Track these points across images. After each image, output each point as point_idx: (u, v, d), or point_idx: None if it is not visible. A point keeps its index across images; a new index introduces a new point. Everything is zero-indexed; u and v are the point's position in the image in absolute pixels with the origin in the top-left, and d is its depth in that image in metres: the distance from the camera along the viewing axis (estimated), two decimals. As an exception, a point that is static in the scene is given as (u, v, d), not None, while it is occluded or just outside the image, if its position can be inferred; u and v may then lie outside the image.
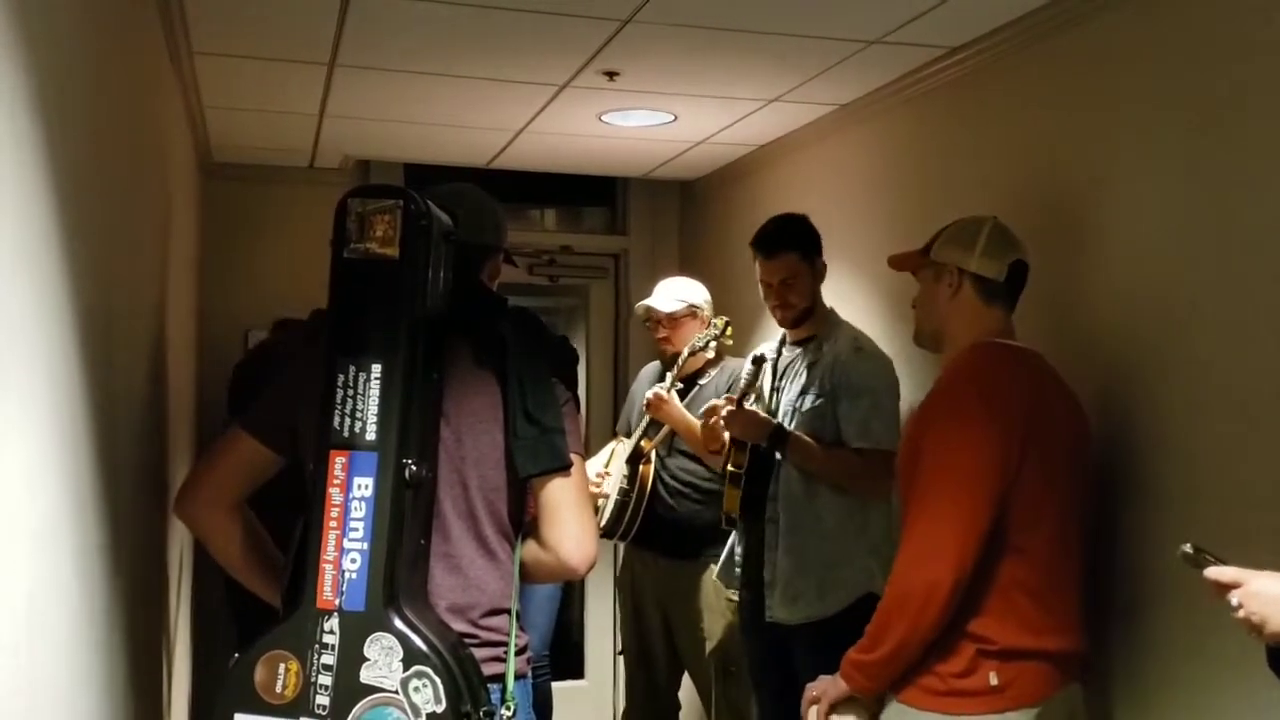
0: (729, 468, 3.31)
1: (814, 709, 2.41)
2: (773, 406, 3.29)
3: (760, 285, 3.30)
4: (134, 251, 2.32)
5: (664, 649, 3.94)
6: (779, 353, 3.36)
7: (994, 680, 2.25)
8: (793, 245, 3.24)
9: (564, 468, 2.08)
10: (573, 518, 2.09)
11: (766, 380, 3.35)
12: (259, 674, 1.84)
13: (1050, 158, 2.89)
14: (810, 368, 3.19)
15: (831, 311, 3.29)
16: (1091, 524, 2.49)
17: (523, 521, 2.14)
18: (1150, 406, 2.52)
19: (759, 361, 3.36)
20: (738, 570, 3.39)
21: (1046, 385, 2.42)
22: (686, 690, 4.08)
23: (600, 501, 3.91)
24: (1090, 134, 2.74)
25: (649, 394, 3.76)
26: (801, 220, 3.31)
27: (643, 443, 3.83)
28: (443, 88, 3.63)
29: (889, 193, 3.63)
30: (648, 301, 3.91)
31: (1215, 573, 1.70)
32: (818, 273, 3.27)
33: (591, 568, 2.14)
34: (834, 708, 2.39)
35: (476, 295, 2.21)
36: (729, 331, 3.74)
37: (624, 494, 3.82)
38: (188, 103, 3.69)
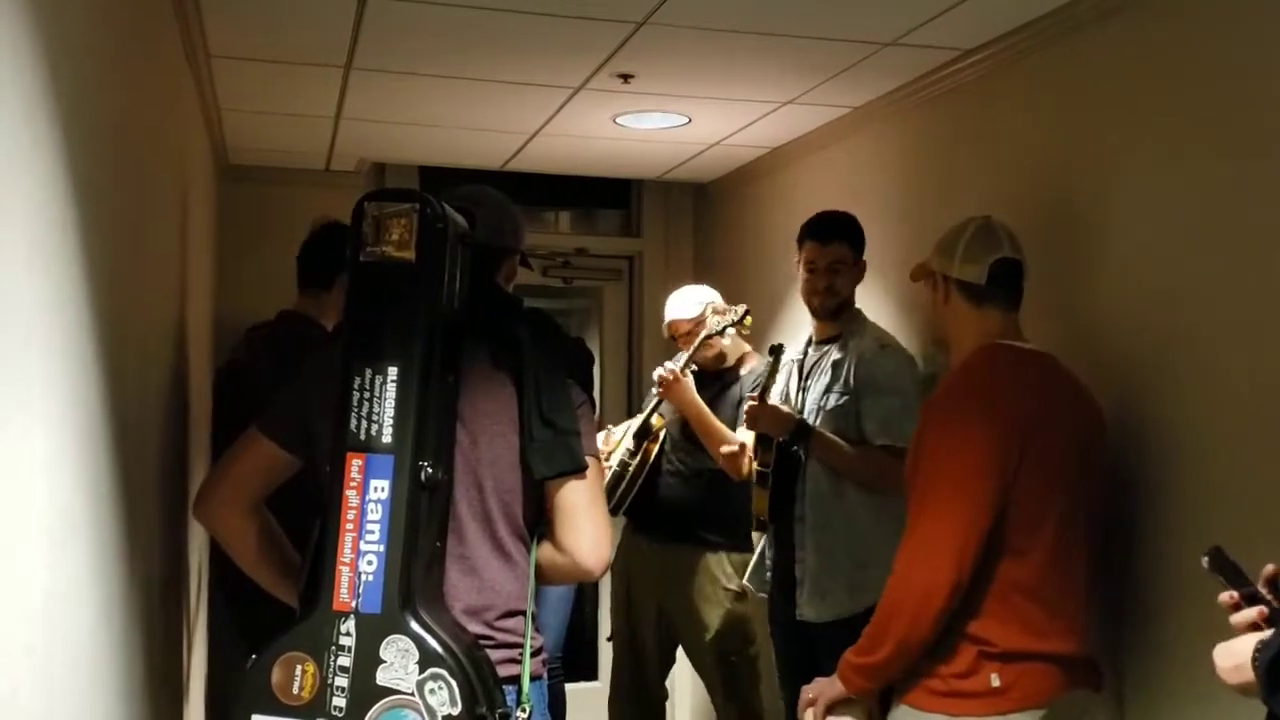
0: (756, 467, 3.30)
1: (810, 710, 2.42)
2: (799, 406, 3.28)
3: (803, 270, 3.28)
4: (151, 253, 2.33)
5: (655, 639, 3.90)
6: (805, 353, 3.36)
7: (995, 682, 2.26)
8: (846, 237, 3.27)
9: (579, 470, 2.09)
10: (588, 520, 2.09)
11: (793, 381, 3.35)
12: (276, 675, 1.84)
13: (1065, 159, 2.88)
14: (835, 365, 3.19)
15: (859, 312, 3.30)
16: (1104, 526, 2.48)
17: (538, 524, 2.14)
18: (1164, 408, 2.51)
19: (776, 351, 3.36)
20: (768, 575, 3.37)
21: (1052, 387, 2.41)
22: (675, 680, 4.05)
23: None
24: (1105, 135, 2.73)
25: (660, 370, 3.67)
26: (854, 218, 3.33)
27: (653, 419, 3.77)
28: (458, 90, 3.64)
29: (904, 195, 3.62)
30: (670, 316, 3.84)
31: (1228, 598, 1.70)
32: (858, 273, 3.29)
33: (607, 569, 2.14)
34: (831, 708, 2.39)
35: (492, 297, 2.21)
36: (748, 320, 3.67)
37: (623, 465, 3.75)
38: (204, 105, 3.71)
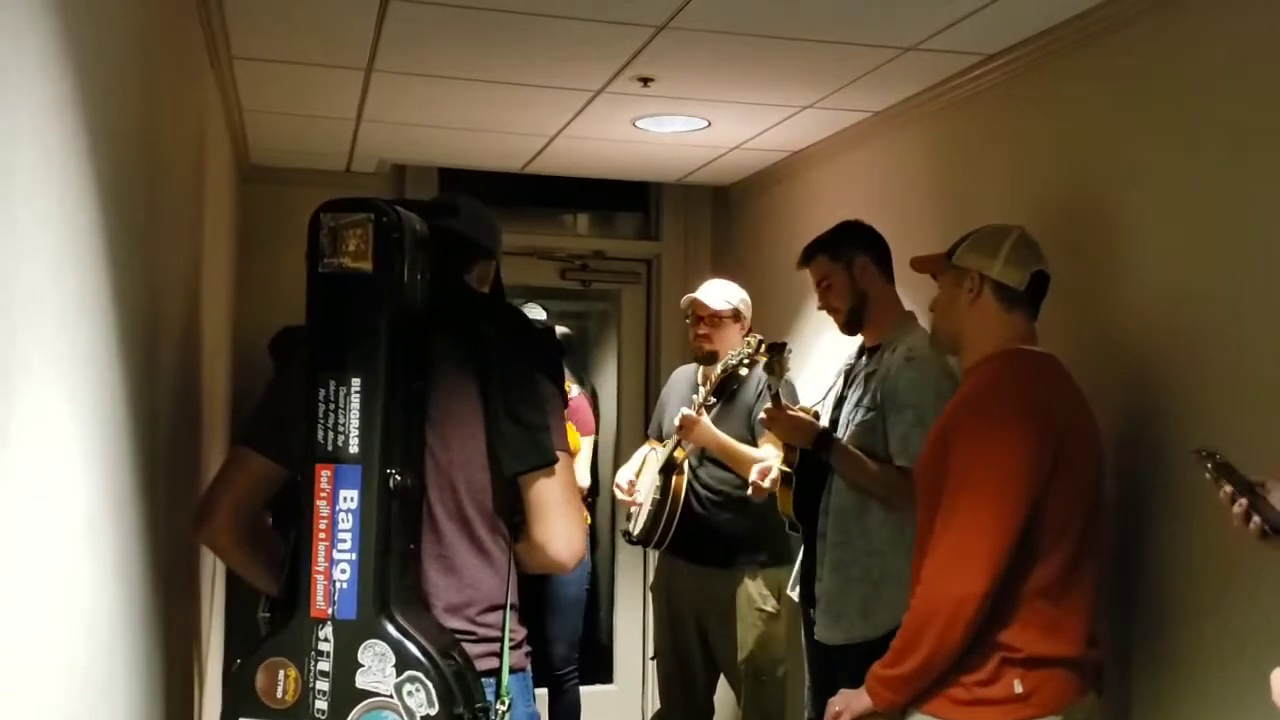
0: (780, 467, 3.23)
1: None
2: (839, 415, 3.16)
3: None
4: (173, 253, 2.35)
5: (700, 654, 3.93)
6: (856, 360, 3.22)
7: (1018, 688, 2.24)
8: (819, 250, 3.16)
9: (548, 464, 2.09)
10: (560, 514, 2.11)
11: (838, 389, 3.25)
12: (260, 680, 1.88)
13: (1088, 164, 2.87)
14: (868, 379, 3.06)
15: (907, 318, 3.13)
16: (1122, 531, 2.47)
17: (515, 517, 2.15)
18: (1188, 411, 2.49)
19: (776, 349, 3.27)
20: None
21: (1072, 392, 2.41)
22: (720, 696, 4.08)
23: (634, 510, 3.91)
24: (1128, 139, 2.72)
25: (679, 415, 3.71)
26: (841, 224, 3.22)
27: (675, 453, 3.81)
28: (478, 93, 3.65)
29: (923, 199, 3.62)
30: (695, 295, 3.88)
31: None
32: (855, 273, 3.12)
33: (579, 561, 2.15)
34: None
35: (457, 295, 2.21)
36: (762, 349, 3.58)
37: (657, 504, 3.80)
38: (227, 106, 3.73)
